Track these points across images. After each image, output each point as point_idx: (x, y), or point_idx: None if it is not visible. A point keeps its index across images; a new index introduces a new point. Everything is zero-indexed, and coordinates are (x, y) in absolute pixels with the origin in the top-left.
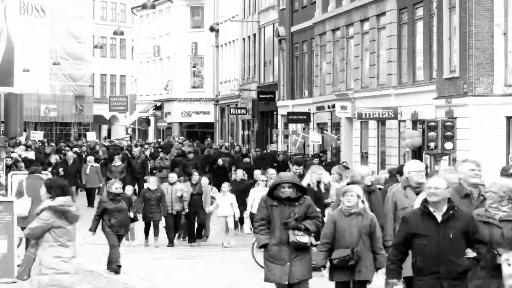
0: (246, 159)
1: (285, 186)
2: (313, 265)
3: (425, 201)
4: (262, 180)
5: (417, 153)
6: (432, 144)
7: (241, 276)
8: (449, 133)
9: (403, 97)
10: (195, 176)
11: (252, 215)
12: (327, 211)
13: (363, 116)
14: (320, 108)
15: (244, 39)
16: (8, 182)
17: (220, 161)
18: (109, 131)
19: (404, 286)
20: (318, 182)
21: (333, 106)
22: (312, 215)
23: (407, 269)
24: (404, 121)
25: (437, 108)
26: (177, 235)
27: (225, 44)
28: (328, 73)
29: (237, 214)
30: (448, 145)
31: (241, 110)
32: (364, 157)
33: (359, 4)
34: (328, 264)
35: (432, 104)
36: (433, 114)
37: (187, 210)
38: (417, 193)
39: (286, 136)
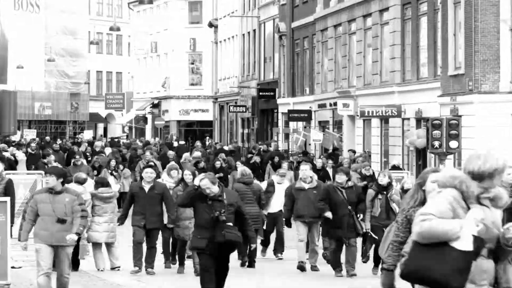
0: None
1: None
2: None
3: None
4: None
5: (421, 153)
6: (436, 143)
7: (241, 278)
8: (454, 132)
9: (407, 94)
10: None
11: None
12: None
13: (366, 114)
14: (322, 106)
15: (243, 35)
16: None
17: None
18: (105, 129)
19: None
20: None
21: (335, 104)
22: None
23: None
24: (408, 119)
25: (442, 106)
26: None
27: (224, 40)
28: (330, 70)
29: None
30: (453, 144)
31: (240, 108)
32: (367, 156)
33: None
34: None
35: (436, 102)
36: (438, 112)
37: None
38: None
39: (287, 135)
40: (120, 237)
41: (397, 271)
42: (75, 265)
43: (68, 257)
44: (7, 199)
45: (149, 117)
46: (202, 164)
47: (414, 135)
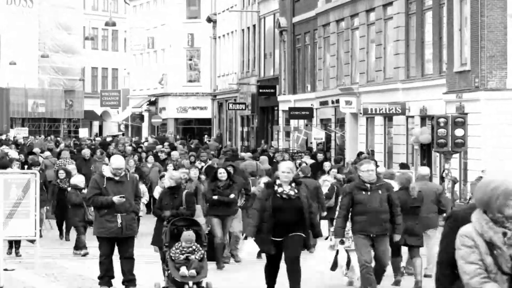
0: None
1: None
2: None
3: None
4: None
5: (426, 151)
6: (442, 141)
7: (239, 276)
8: (459, 130)
9: (411, 91)
10: None
11: None
12: None
13: (369, 112)
14: (324, 103)
15: (243, 30)
16: None
17: None
18: (100, 127)
19: None
20: None
21: (337, 101)
22: None
23: None
24: (412, 117)
25: (447, 103)
26: None
27: (223, 35)
28: (332, 66)
29: None
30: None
31: (240, 105)
32: (370, 155)
33: None
34: None
35: (441, 99)
36: (443, 109)
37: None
38: None
39: (287, 133)
40: None
41: None
42: None
43: None
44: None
45: (146, 114)
46: None
47: (418, 132)
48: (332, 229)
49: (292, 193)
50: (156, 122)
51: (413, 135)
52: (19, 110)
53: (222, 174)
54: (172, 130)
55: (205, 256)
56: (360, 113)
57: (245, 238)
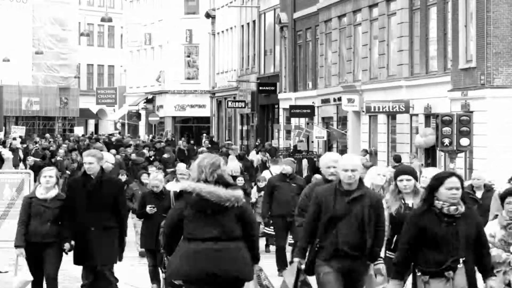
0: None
1: None
2: None
3: None
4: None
5: (430, 151)
6: (446, 140)
7: None
8: (465, 128)
9: (415, 89)
10: None
11: None
12: None
13: (372, 110)
14: (325, 101)
15: (242, 26)
16: None
17: None
18: (96, 126)
19: None
20: None
21: (339, 99)
22: None
23: None
24: (416, 115)
25: (452, 101)
26: None
27: (222, 31)
28: (334, 63)
29: None
30: (464, 141)
31: (239, 103)
32: (373, 154)
33: None
34: None
35: (446, 97)
36: (448, 107)
37: None
38: None
39: (288, 132)
40: None
41: None
42: None
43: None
44: None
45: (143, 113)
46: None
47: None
48: None
49: None
50: (153, 121)
51: (417, 141)
52: (12, 108)
53: None
54: (170, 128)
55: None
56: (363, 111)
57: None
